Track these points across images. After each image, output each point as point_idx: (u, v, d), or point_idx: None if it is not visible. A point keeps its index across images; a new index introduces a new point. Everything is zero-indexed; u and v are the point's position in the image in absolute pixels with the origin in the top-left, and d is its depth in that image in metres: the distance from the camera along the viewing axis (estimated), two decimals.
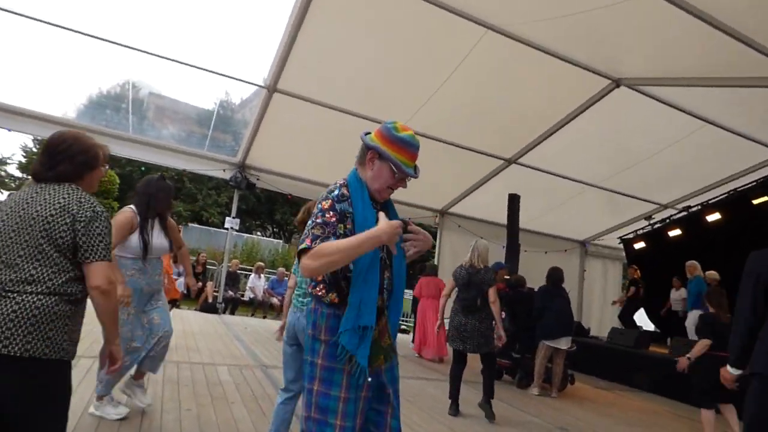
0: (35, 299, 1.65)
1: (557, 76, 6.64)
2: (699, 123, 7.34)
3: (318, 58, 6.65)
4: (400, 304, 1.99)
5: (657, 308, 10.13)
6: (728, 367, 2.70)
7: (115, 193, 14.32)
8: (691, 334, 8.22)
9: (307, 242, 1.73)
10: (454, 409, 4.58)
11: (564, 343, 5.95)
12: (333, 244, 1.71)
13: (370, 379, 1.82)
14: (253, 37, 8.16)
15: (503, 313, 6.70)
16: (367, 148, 1.93)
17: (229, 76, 7.61)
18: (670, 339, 8.05)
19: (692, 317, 8.28)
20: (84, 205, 1.77)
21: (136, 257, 3.23)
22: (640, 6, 4.67)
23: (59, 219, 1.71)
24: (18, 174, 20.89)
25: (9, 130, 7.41)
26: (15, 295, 1.63)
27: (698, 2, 4.49)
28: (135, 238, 3.21)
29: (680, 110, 7.07)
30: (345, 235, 1.79)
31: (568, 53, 6.21)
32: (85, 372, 4.04)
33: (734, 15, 4.54)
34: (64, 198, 1.76)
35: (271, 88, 7.26)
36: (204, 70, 7.35)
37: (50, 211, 1.72)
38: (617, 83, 6.80)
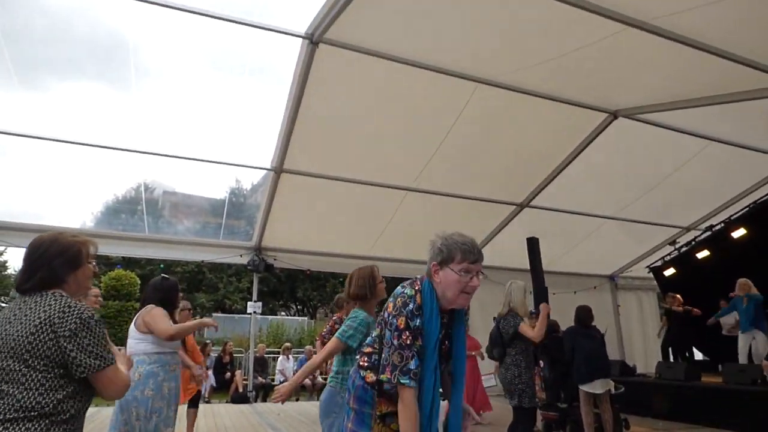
0: (25, 427, 1.48)
1: (554, 117, 6.75)
2: (704, 142, 7.33)
3: (319, 134, 6.87)
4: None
5: (701, 334, 9.67)
6: None
7: (137, 295, 14.48)
8: (743, 358, 7.76)
9: (387, 373, 1.85)
10: None
11: (600, 387, 5.49)
12: (404, 418, 1.81)
13: None
14: (256, 123, 8.54)
15: (541, 362, 6.43)
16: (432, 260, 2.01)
17: (236, 165, 7.90)
18: (722, 366, 7.59)
19: (745, 338, 7.86)
20: (67, 316, 1.56)
21: (175, 350, 3.34)
22: (624, 40, 4.80)
23: (41, 335, 1.53)
24: None
25: None
26: (3, 426, 1.47)
27: (678, 28, 4.61)
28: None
29: (682, 132, 7.09)
30: (420, 349, 1.88)
31: (561, 93, 6.34)
32: None
33: (716, 35, 4.64)
34: (45, 311, 1.57)
35: (278, 170, 7.46)
36: (213, 162, 7.64)
37: (31, 328, 1.54)
38: (615, 115, 6.89)
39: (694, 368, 7.98)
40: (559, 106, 6.49)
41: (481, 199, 8.59)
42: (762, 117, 6.44)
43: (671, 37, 4.65)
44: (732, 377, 7.04)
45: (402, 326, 1.88)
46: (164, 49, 7.37)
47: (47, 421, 1.51)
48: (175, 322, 3.42)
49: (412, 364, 1.84)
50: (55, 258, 1.70)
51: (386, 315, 1.94)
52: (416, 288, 1.95)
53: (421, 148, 7.29)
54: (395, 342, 1.87)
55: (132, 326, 3.30)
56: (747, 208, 9.06)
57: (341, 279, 21.96)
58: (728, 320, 8.88)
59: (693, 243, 10.11)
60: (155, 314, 3.21)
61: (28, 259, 1.70)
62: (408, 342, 1.87)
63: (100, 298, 4.49)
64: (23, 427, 1.47)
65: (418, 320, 1.90)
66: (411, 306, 1.90)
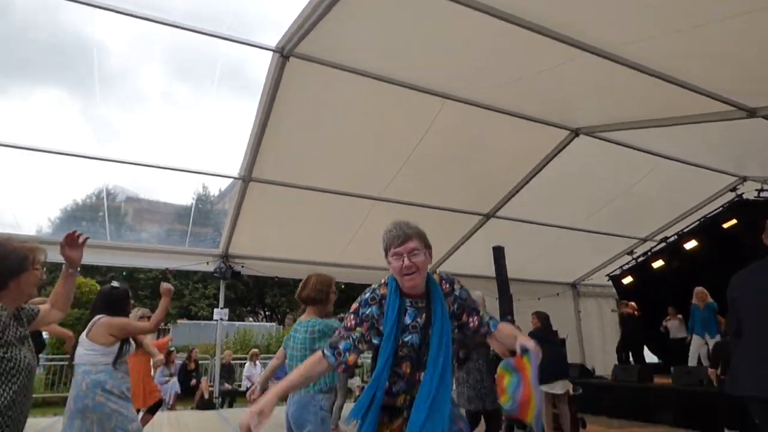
0: None
1: (520, 133, 6.98)
2: (656, 159, 7.74)
3: (288, 144, 6.90)
4: (433, 409, 1.81)
5: (653, 339, 10.18)
6: None
7: None
8: (693, 360, 8.25)
9: (327, 347, 1.93)
10: None
11: (559, 388, 5.89)
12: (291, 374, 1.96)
13: None
14: (224, 131, 8.50)
15: None
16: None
17: (203, 173, 7.84)
18: (673, 368, 8.05)
19: (698, 342, 8.37)
20: None
21: (124, 360, 3.37)
22: (582, 64, 5.05)
23: None
24: None
25: None
26: None
27: (630, 55, 4.88)
28: (117, 345, 3.29)
29: (637, 149, 7.47)
30: (361, 337, 1.93)
31: (525, 111, 6.58)
32: None
33: (663, 63, 4.94)
34: None
35: (247, 179, 7.44)
36: (179, 170, 7.53)
37: None
38: (576, 132, 7.19)
39: (647, 370, 8.44)
40: (524, 123, 6.73)
41: (447, 209, 8.77)
42: (704, 139, 6.92)
43: (624, 63, 4.93)
44: (681, 379, 7.48)
45: (351, 310, 1.98)
46: (130, 55, 7.26)
47: None
48: None
49: (342, 344, 1.90)
50: None
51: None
52: (382, 281, 2.01)
53: (389, 159, 7.41)
54: (344, 323, 1.97)
55: (83, 335, 3.27)
56: (697, 222, 9.59)
57: None
58: (673, 324, 9.41)
59: (649, 253, 10.59)
60: (122, 321, 3.29)
61: None
62: (350, 325, 1.94)
63: None
64: None
65: (370, 309, 1.94)
66: (368, 295, 1.99)
